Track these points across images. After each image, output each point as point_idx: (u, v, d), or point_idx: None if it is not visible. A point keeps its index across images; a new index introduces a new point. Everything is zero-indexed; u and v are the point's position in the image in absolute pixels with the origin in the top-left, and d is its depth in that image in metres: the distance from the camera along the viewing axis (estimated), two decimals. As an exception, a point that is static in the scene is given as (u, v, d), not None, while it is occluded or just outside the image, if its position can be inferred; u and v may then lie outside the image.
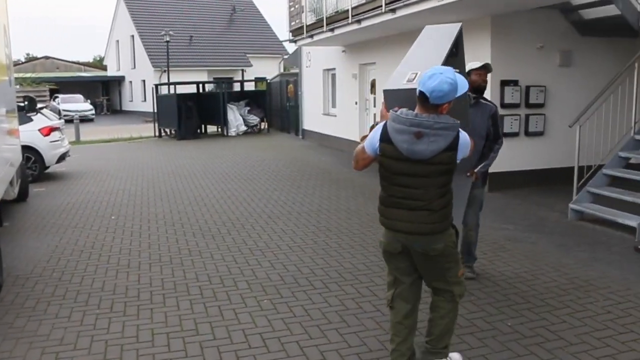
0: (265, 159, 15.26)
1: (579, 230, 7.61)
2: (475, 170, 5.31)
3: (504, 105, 10.06)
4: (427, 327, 3.82)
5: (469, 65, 5.26)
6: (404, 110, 3.41)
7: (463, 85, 3.50)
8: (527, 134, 10.38)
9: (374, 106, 15.03)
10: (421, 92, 3.35)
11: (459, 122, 3.42)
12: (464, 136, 3.46)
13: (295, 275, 5.94)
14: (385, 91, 3.81)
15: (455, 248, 3.68)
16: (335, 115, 17.59)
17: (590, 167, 8.51)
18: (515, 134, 10.26)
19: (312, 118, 19.80)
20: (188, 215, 8.78)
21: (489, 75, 5.67)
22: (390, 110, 3.47)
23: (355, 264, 6.30)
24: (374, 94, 14.97)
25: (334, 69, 17.46)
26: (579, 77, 10.58)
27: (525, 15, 10.01)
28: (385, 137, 3.44)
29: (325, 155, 15.87)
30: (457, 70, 3.55)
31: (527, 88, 10.21)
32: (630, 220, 7.28)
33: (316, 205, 9.36)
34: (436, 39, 4.28)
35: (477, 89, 5.41)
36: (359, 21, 11.65)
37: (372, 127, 3.76)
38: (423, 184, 3.44)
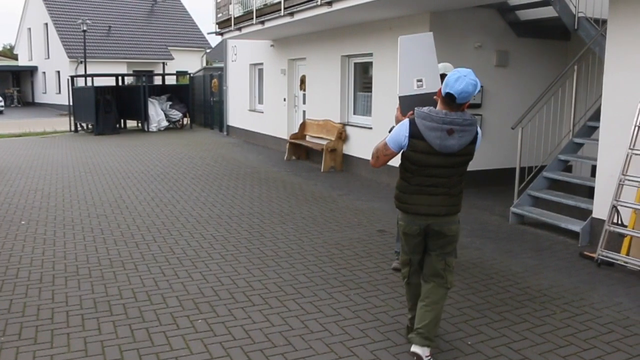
0: (189, 157, 14.49)
1: (522, 235, 7.41)
2: None
3: (441, 105, 9.81)
4: (420, 316, 4.06)
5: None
6: (432, 109, 3.78)
7: (478, 86, 3.81)
8: (463, 134, 10.17)
9: (304, 103, 14.57)
10: (449, 94, 3.72)
11: (476, 119, 3.90)
12: (479, 131, 3.91)
13: (230, 290, 5.37)
14: (400, 97, 4.36)
15: (459, 236, 4.16)
16: (262, 112, 17.00)
17: (531, 169, 8.37)
18: (451, 135, 10.02)
19: (238, 114, 19.12)
20: (108, 219, 8.00)
21: None
22: (416, 110, 3.84)
23: (295, 275, 5.79)
24: (304, 90, 14.50)
25: (262, 63, 16.86)
26: (514, 77, 10.50)
27: (464, 14, 9.80)
28: (416, 134, 3.78)
29: (252, 153, 15.27)
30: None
31: (465, 88, 9.99)
32: (574, 225, 7.14)
33: (247, 207, 8.79)
34: (419, 46, 4.64)
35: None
36: (291, 14, 11.13)
37: (390, 130, 4.25)
38: (449, 174, 3.91)
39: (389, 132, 4.13)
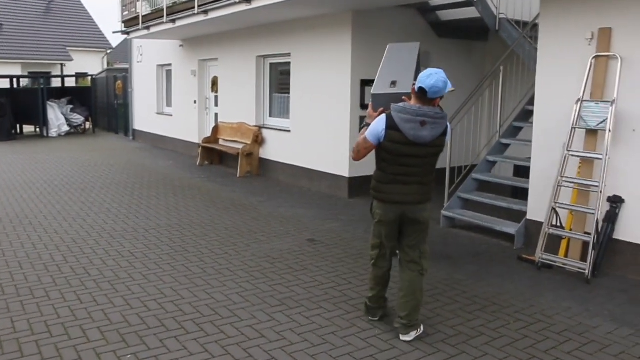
0: (95, 164, 13.49)
1: (456, 239, 7.23)
2: None
3: (364, 106, 9.54)
4: (401, 305, 4.43)
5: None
6: (407, 104, 4.18)
7: (449, 86, 4.18)
8: (387, 136, 9.95)
9: (216, 105, 13.94)
10: (421, 88, 4.10)
11: (446, 113, 4.28)
12: (449, 125, 4.34)
13: (159, 315, 4.77)
14: (373, 95, 4.68)
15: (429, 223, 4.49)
16: (171, 115, 16.17)
17: (461, 169, 8.23)
18: (375, 137, 9.77)
19: (145, 118, 18.14)
20: (10, 238, 7.08)
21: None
22: (393, 105, 4.21)
23: (228, 295, 5.27)
24: (216, 92, 13.87)
25: (170, 64, 16.05)
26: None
27: (386, 13, 9.58)
28: (392, 125, 4.13)
29: (162, 159, 14.45)
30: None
31: (387, 89, 9.77)
32: (509, 228, 7.03)
33: (164, 218, 8.13)
34: (403, 53, 5.17)
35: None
36: (205, 12, 10.52)
37: (362, 126, 4.55)
38: (421, 164, 4.24)
39: (360, 125, 4.67)
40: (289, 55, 10.88)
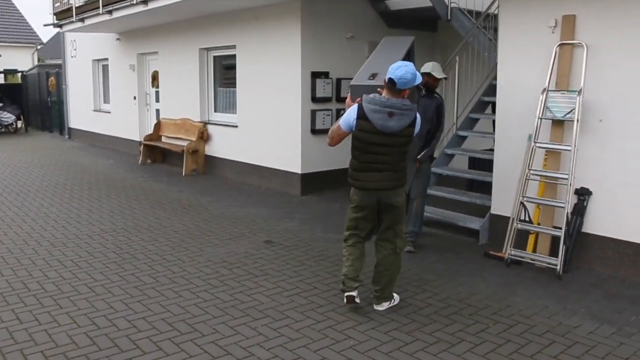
0: (30, 165, 12.64)
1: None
2: (419, 157, 6.19)
3: (315, 100, 9.20)
4: (375, 278, 4.76)
5: (423, 68, 6.26)
6: (376, 95, 4.36)
7: (419, 78, 4.44)
8: (340, 130, 9.63)
9: (157, 101, 13.31)
10: (390, 79, 4.31)
11: (415, 105, 4.50)
12: (418, 116, 4.52)
13: (110, 334, 4.28)
14: (351, 86, 4.88)
15: (405, 205, 4.77)
16: (110, 112, 15.40)
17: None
18: (327, 131, 9.40)
19: (81, 115, 17.24)
20: None
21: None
22: (364, 96, 4.40)
23: (185, 307, 4.83)
24: (157, 87, 13.24)
25: (107, 59, 15.27)
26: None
27: (335, 3, 9.27)
28: (362, 115, 4.35)
29: (101, 158, 13.71)
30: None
31: (339, 81, 9.47)
32: (473, 223, 6.83)
33: (108, 222, 7.57)
34: (393, 47, 5.39)
35: (427, 86, 6.26)
36: (145, 2, 9.93)
37: (340, 114, 4.84)
38: (390, 152, 4.43)
39: (340, 115, 4.82)
40: (234, 47, 10.40)
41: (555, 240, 5.91)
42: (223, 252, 6.35)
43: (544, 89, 5.88)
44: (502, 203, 6.56)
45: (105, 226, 7.39)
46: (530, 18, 6.12)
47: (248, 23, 9.91)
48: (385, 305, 4.74)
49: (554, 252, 5.90)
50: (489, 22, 8.54)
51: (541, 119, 5.89)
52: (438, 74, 6.27)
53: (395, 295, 4.88)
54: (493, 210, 6.68)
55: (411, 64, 4.39)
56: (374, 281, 4.77)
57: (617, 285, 5.45)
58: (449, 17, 8.68)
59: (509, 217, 6.42)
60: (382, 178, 4.49)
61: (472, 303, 4.96)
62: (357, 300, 4.69)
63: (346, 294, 4.69)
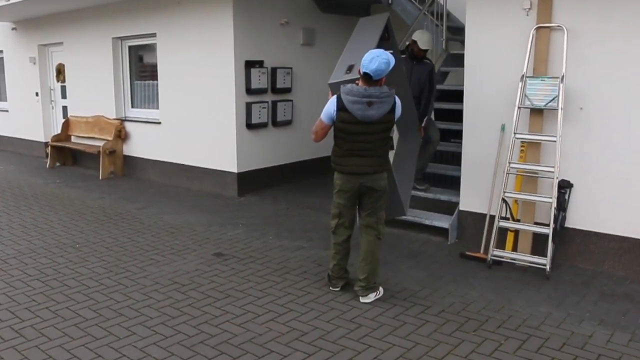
0: None
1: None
2: (423, 125, 6.45)
3: (251, 92, 8.42)
4: (359, 270, 4.75)
5: (413, 35, 6.66)
6: (354, 86, 4.40)
7: (392, 62, 4.39)
8: (275, 124, 8.92)
9: (63, 97, 11.97)
10: (365, 73, 4.34)
11: (394, 90, 4.45)
12: (398, 101, 4.53)
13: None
14: (330, 84, 4.75)
15: (387, 192, 4.74)
16: (7, 111, 13.74)
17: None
18: (263, 125, 8.71)
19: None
20: None
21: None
22: (341, 86, 4.45)
23: (144, 349, 3.98)
24: (62, 81, 11.90)
25: (1, 51, 13.65)
26: (321, 57, 9.53)
27: (269, -15, 8.49)
28: (342, 107, 4.41)
29: (0, 163, 12.19)
30: (391, 51, 4.84)
31: (274, 70, 8.73)
32: (440, 221, 6.34)
33: (24, 241, 6.45)
34: (369, 28, 5.29)
35: (415, 55, 6.59)
36: (47, -16, 8.71)
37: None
38: (373, 139, 4.48)
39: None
40: (154, 35, 9.39)
41: (537, 237, 5.52)
42: (169, 270, 5.50)
43: (523, 76, 5.44)
44: (471, 199, 6.12)
45: (20, 246, 6.30)
46: (502, 1, 5.65)
47: (170, 8, 8.94)
48: (371, 297, 4.72)
49: (535, 250, 5.53)
50: (435, 6, 8.11)
51: (521, 108, 5.45)
52: (422, 44, 6.48)
53: (380, 287, 4.85)
54: (462, 207, 6.22)
55: (382, 51, 4.38)
56: (359, 271, 4.77)
57: (606, 282, 5.14)
58: (389, 1, 8.15)
59: (479, 214, 6.01)
60: (365, 163, 4.55)
61: (471, 316, 4.44)
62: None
63: (332, 288, 4.96)
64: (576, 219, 5.49)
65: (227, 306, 4.67)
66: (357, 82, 4.47)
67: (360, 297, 4.71)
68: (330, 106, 4.51)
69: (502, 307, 4.59)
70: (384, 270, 5.33)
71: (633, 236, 5.26)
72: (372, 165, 4.55)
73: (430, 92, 6.59)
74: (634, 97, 5.08)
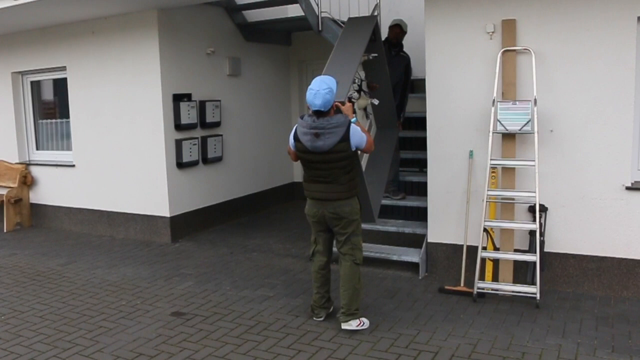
0: None
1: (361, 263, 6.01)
2: (401, 121, 6.81)
3: (180, 128, 7.80)
4: (341, 297, 4.76)
5: (392, 21, 6.91)
6: (306, 117, 4.57)
7: (335, 85, 4.52)
8: (206, 161, 8.32)
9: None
10: (314, 111, 4.48)
11: (349, 119, 4.52)
12: (354, 129, 4.50)
13: None
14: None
15: (359, 218, 4.73)
16: None
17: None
18: (194, 163, 8.09)
19: None
20: None
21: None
22: (298, 118, 4.68)
23: None
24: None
25: None
26: (247, 88, 9.13)
27: (193, 13, 7.96)
28: (296, 137, 4.63)
29: None
30: (375, 54, 5.75)
31: (202, 104, 8.15)
32: (409, 255, 6.06)
33: None
34: (358, 29, 5.42)
35: (393, 42, 6.83)
36: None
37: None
38: (328, 167, 4.56)
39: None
40: (63, 69, 8.52)
41: (516, 264, 5.37)
42: (127, 340, 4.80)
43: (493, 100, 5.29)
44: (441, 230, 5.89)
45: None
46: (464, 24, 5.52)
47: (82, 39, 8.13)
48: (353, 325, 4.69)
49: (517, 278, 5.38)
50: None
51: (495, 133, 5.29)
52: (405, 26, 6.88)
53: (364, 319, 4.80)
54: (430, 239, 5.97)
55: (322, 82, 4.44)
56: (341, 298, 4.78)
57: (593, 304, 5.11)
58: (319, 28, 7.85)
59: (450, 245, 5.82)
60: (326, 189, 4.61)
61: (484, 358, 4.15)
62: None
63: (315, 319, 4.97)
64: (553, 243, 5.40)
65: (214, 378, 4.09)
66: (336, 103, 4.59)
67: (342, 324, 4.71)
68: (291, 135, 4.70)
69: (510, 344, 4.35)
70: (370, 316, 4.96)
71: (610, 255, 5.25)
72: (334, 191, 4.58)
73: (406, 85, 6.85)
74: (601, 117, 5.09)
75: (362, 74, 5.93)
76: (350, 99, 5.29)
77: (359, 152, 4.72)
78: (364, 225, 6.39)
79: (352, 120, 4.63)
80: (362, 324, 4.71)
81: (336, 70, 5.04)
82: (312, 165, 4.61)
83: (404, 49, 7.14)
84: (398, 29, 6.91)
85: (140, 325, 5.06)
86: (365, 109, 6.11)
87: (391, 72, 6.38)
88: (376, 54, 5.78)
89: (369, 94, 6.03)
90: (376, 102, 5.93)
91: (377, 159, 6.14)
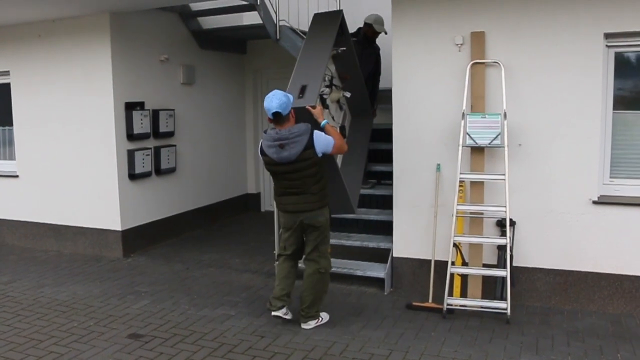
0: None
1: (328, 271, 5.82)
2: (375, 108, 6.79)
3: (133, 137, 7.48)
4: (301, 299, 4.91)
5: (365, 18, 6.72)
6: (269, 130, 4.60)
7: (291, 99, 4.59)
8: (159, 172, 8.00)
9: None
10: (274, 113, 4.51)
11: (310, 126, 4.52)
12: (318, 135, 4.54)
13: None
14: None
15: (329, 226, 4.87)
16: None
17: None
18: (147, 174, 7.76)
19: None
20: None
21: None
22: (262, 132, 4.75)
23: None
24: None
25: None
26: (200, 97, 8.87)
27: (147, 18, 7.65)
28: (262, 151, 4.69)
29: None
30: (344, 48, 5.59)
31: (156, 113, 7.84)
32: (375, 271, 5.92)
33: None
34: (324, 25, 5.38)
35: (367, 38, 6.72)
36: None
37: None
38: (298, 177, 4.61)
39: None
40: (6, 73, 8.05)
41: (484, 279, 5.31)
42: (83, 366, 4.48)
43: (463, 113, 5.23)
44: (406, 244, 5.79)
45: None
46: (432, 35, 5.44)
47: (27, 42, 7.69)
48: (312, 324, 4.89)
49: (485, 294, 5.31)
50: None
51: (464, 147, 5.22)
52: (378, 27, 6.60)
53: (323, 314, 5.02)
54: (396, 254, 5.86)
55: (277, 90, 4.55)
56: (301, 300, 4.90)
57: (562, 319, 5.11)
58: (277, 37, 7.68)
59: (416, 260, 5.73)
60: (300, 201, 4.65)
61: (462, 381, 4.03)
62: (287, 316, 4.96)
63: (272, 313, 4.94)
64: (521, 257, 5.37)
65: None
66: (307, 107, 4.65)
67: (302, 324, 4.91)
68: (258, 149, 4.76)
69: (484, 364, 4.26)
70: (338, 335, 4.81)
71: (577, 269, 5.25)
72: (307, 202, 4.65)
73: (376, 77, 6.85)
74: (568, 131, 5.10)
75: (332, 68, 5.75)
76: (322, 96, 5.25)
77: (331, 154, 4.74)
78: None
79: (323, 123, 4.70)
80: (320, 320, 4.94)
81: (306, 67, 5.01)
82: (282, 176, 4.65)
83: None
84: (367, 29, 6.74)
85: (95, 350, 4.74)
86: (338, 101, 5.98)
87: (362, 64, 6.21)
88: (344, 48, 5.65)
89: (341, 86, 5.89)
90: (348, 94, 5.84)
91: (354, 149, 6.09)
